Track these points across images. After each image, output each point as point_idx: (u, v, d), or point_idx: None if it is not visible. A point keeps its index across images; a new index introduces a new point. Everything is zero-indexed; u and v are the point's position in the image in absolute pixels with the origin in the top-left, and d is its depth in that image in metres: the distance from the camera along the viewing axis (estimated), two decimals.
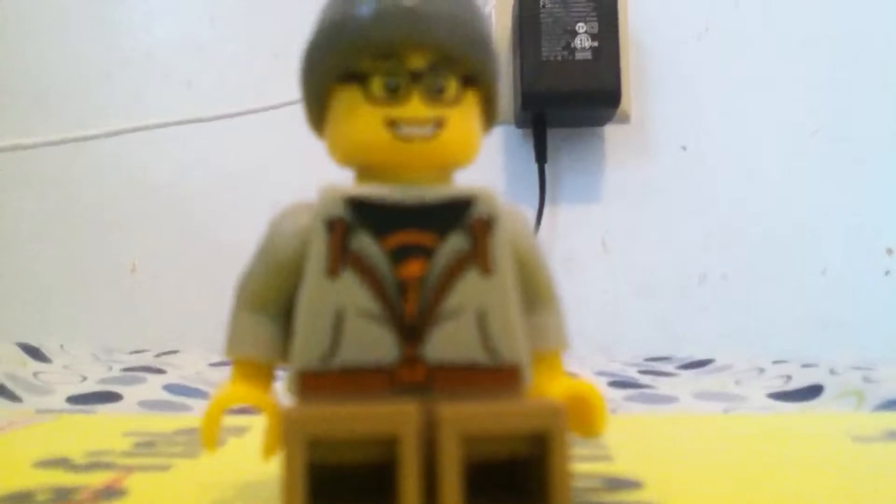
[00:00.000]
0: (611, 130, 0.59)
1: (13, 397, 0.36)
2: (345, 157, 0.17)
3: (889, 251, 0.57)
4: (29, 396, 0.37)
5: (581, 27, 0.52)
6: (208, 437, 0.16)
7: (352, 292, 0.15)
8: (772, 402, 0.37)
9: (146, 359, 0.49)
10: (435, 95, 0.16)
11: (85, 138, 0.46)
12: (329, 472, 0.14)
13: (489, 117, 0.18)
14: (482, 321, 0.16)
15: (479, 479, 0.14)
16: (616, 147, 0.59)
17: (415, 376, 0.16)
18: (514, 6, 0.55)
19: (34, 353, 0.45)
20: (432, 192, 0.16)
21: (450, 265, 0.16)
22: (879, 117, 0.58)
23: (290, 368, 0.16)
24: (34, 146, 0.42)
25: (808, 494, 0.18)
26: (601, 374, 0.44)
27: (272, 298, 0.17)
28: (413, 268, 0.16)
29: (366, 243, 0.16)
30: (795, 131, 0.59)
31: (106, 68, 0.61)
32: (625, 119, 0.57)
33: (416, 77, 0.16)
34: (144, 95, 0.61)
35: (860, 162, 0.58)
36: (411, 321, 0.16)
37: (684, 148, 0.59)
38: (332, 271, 0.16)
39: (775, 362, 0.45)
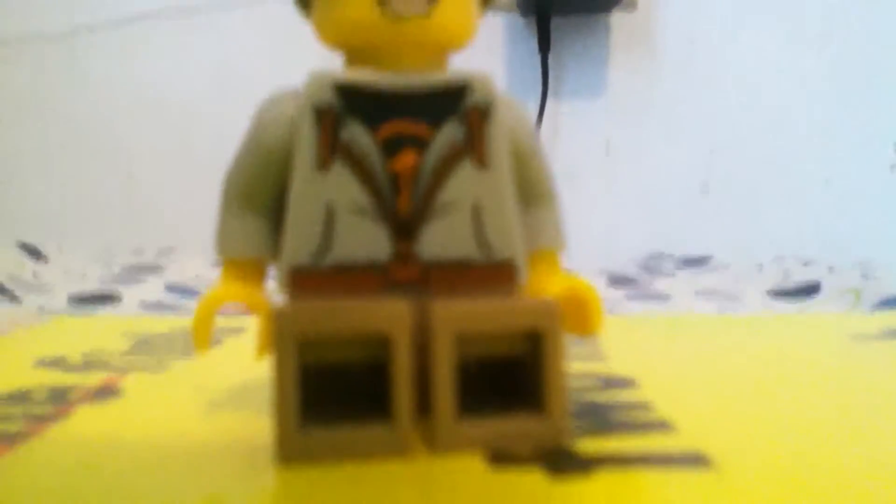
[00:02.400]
0: (617, 19, 0.57)
1: (13, 297, 0.36)
2: (333, 38, 0.16)
3: None
4: (29, 296, 0.37)
5: None
6: (200, 338, 0.16)
7: (343, 186, 0.15)
8: (770, 300, 0.37)
9: (146, 258, 0.49)
10: None
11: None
12: (323, 375, 0.14)
13: None
14: (477, 217, 0.15)
15: (473, 380, 0.14)
16: (621, 37, 0.57)
17: (408, 274, 0.15)
18: None
19: (33, 252, 0.45)
20: (425, 79, 0.15)
21: (444, 157, 0.15)
22: (887, 23, 0.56)
23: (281, 266, 0.15)
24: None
25: (806, 393, 0.18)
26: (599, 272, 0.44)
27: (261, 193, 0.16)
28: (406, 160, 0.15)
29: (357, 133, 0.15)
30: (804, 34, 0.57)
31: None
32: (632, 6, 0.55)
33: None
34: None
35: (868, 67, 0.56)
36: (405, 217, 0.15)
37: (692, 41, 0.57)
38: (323, 163, 0.15)
39: (774, 259, 0.44)
